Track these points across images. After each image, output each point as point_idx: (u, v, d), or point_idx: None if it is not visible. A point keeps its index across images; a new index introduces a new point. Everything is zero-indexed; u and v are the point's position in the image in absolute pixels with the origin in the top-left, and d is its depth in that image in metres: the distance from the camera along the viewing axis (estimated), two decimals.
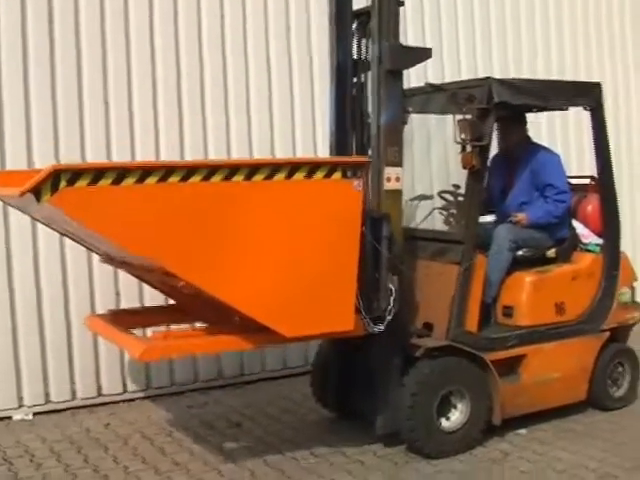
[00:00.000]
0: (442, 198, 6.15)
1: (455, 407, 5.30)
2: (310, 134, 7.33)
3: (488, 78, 5.55)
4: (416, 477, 5.02)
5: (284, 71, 7.28)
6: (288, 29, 7.33)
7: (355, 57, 5.59)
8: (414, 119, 6.20)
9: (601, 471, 5.01)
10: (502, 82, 5.52)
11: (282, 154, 7.11)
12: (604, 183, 6.06)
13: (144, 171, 4.30)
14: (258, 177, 4.58)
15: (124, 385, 6.71)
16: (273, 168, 4.66)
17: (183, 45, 6.86)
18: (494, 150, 6.28)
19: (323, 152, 6.76)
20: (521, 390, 5.55)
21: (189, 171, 4.40)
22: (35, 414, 6.33)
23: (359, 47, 5.60)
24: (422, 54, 5.46)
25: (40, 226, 6.07)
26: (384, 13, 5.24)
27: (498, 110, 5.48)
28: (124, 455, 5.46)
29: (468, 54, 8.25)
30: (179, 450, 5.53)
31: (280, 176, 4.64)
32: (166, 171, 4.35)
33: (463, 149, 5.41)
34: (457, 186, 5.93)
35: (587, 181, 6.36)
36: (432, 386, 5.20)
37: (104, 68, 6.56)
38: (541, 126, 7.87)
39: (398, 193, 5.28)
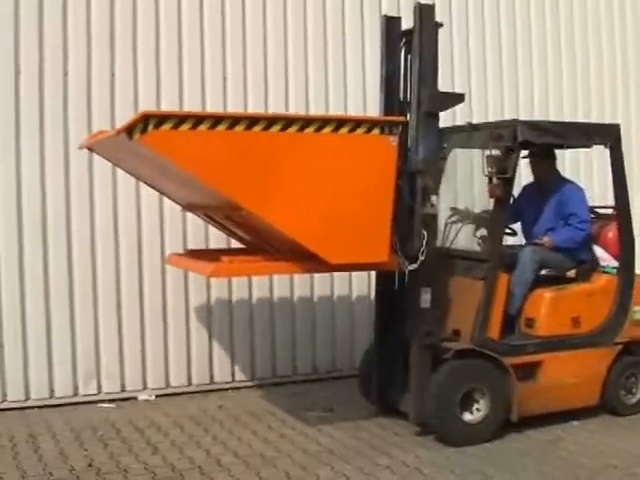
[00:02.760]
0: (473, 222, 6.95)
1: (477, 403, 6.07)
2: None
3: (514, 120, 6.39)
4: (483, 451, 5.91)
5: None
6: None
7: (401, 99, 6.40)
8: (457, 153, 7.10)
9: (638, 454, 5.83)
10: (526, 123, 6.32)
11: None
12: (621, 212, 6.76)
13: (215, 120, 5.26)
14: (310, 129, 5.50)
15: (232, 375, 7.85)
16: (322, 122, 5.58)
17: (249, 42, 7.91)
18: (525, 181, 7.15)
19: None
20: (538, 392, 6.28)
21: (252, 121, 5.36)
22: (157, 396, 7.48)
23: (405, 63, 6.35)
24: (456, 99, 6.29)
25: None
26: (424, 33, 6.07)
27: (522, 148, 6.32)
28: (237, 428, 6.52)
29: (495, 95, 9.07)
30: (283, 426, 6.55)
31: (328, 129, 5.56)
32: (233, 120, 5.31)
33: (490, 181, 6.25)
34: (487, 212, 6.72)
35: (610, 210, 7.08)
36: (456, 384, 6.01)
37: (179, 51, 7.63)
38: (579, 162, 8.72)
39: (434, 217, 6.13)
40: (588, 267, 6.76)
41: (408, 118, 6.27)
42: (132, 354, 7.45)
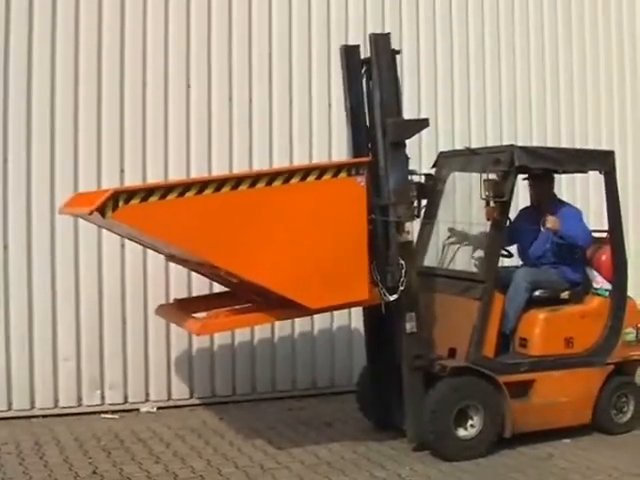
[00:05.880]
0: (470, 243, 7.12)
1: (471, 419, 6.23)
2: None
3: (511, 145, 6.59)
4: (476, 467, 6.06)
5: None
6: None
7: (368, 126, 6.36)
8: (456, 176, 7.28)
9: (626, 471, 5.95)
10: (523, 149, 6.53)
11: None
12: (614, 236, 6.93)
13: (184, 187, 5.44)
14: (278, 182, 5.67)
15: (233, 389, 8.04)
16: (289, 174, 5.76)
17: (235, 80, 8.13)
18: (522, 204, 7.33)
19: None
20: (530, 409, 6.44)
21: (220, 184, 5.53)
22: (159, 408, 7.66)
23: (368, 91, 6.32)
24: (420, 125, 6.40)
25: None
26: (382, 63, 6.14)
27: (519, 172, 6.52)
28: (238, 441, 6.68)
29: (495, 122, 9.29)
30: (282, 439, 6.70)
31: (296, 180, 5.73)
32: (201, 185, 5.49)
33: (487, 204, 6.43)
34: (484, 234, 6.85)
35: (603, 234, 7.25)
36: (451, 400, 6.17)
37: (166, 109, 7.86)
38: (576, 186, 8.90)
39: (410, 244, 6.28)
40: (581, 289, 6.92)
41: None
42: (135, 366, 7.65)
